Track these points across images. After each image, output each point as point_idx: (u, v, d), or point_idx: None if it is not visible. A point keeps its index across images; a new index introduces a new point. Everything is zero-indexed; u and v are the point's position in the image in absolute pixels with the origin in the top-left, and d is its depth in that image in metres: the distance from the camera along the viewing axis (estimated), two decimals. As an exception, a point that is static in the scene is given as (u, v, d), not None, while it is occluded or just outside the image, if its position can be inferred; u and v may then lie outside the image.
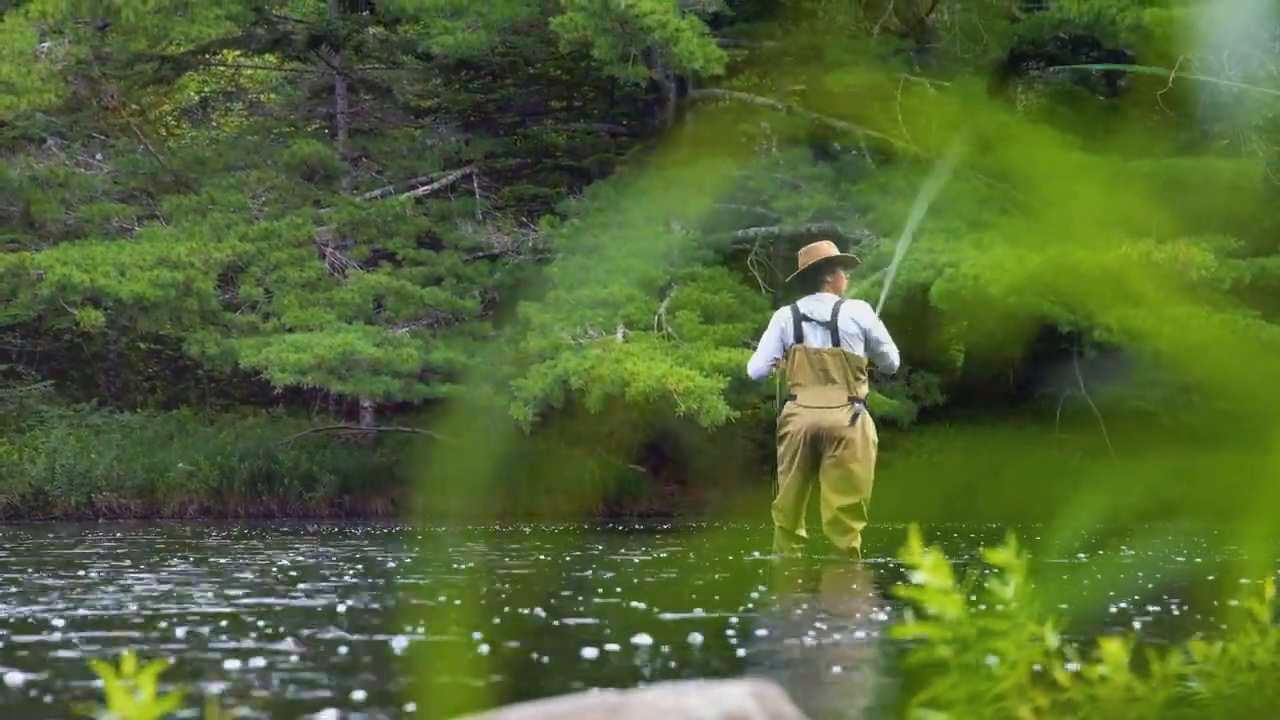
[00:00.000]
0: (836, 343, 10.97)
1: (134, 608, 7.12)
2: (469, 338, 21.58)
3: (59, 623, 6.39)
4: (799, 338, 11.02)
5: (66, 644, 5.70)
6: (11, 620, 6.57)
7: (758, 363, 11.32)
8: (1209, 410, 18.93)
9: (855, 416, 10.89)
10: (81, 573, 9.65)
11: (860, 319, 11.06)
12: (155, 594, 7.98)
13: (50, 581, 8.88)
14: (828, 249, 11.26)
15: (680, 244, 21.92)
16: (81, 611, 6.98)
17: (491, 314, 22.09)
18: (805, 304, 11.12)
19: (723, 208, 22.26)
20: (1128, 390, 20.86)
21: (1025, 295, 18.78)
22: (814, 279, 11.15)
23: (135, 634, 6.04)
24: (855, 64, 22.69)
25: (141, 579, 9.14)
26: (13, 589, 8.27)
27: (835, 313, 11.03)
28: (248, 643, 5.67)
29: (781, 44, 24.33)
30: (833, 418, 10.87)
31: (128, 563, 10.75)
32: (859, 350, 11.02)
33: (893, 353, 11.24)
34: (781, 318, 11.20)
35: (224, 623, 6.39)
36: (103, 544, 13.75)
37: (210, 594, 7.98)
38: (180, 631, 6.06)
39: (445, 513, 21.79)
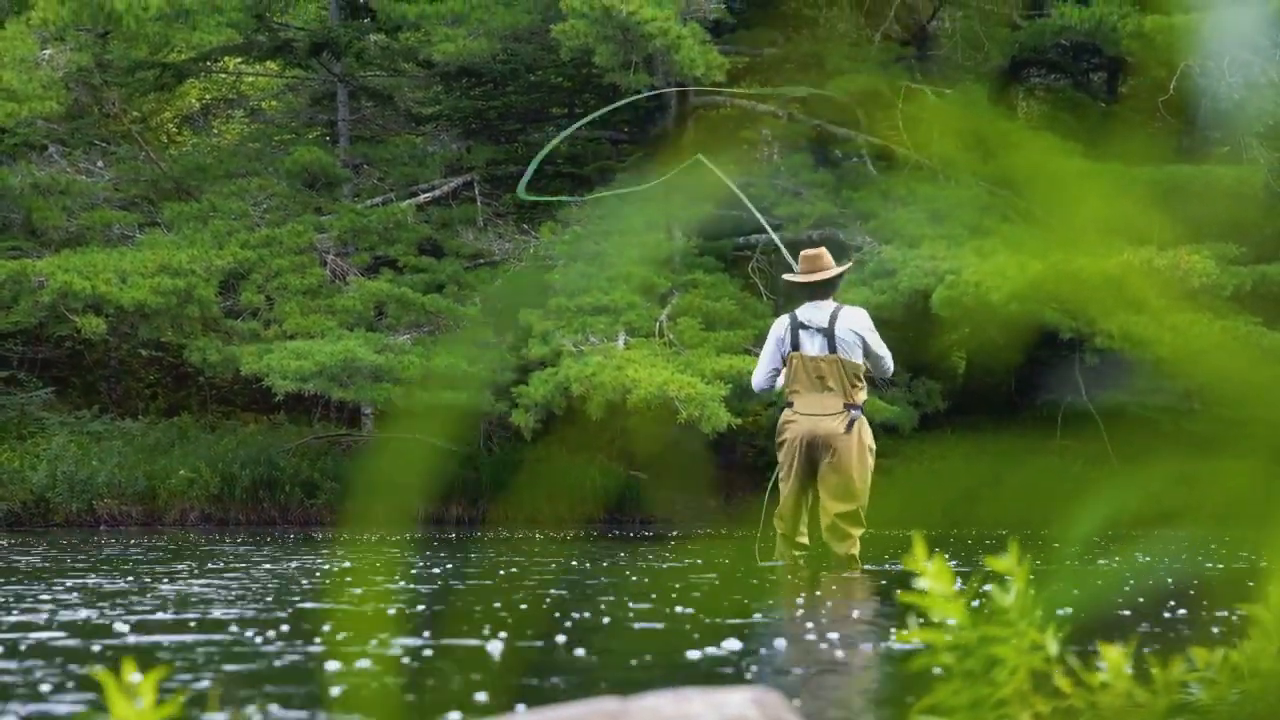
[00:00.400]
0: (833, 350, 10.96)
1: (205, 612, 7.13)
2: (470, 345, 21.57)
3: (122, 627, 6.39)
4: (795, 345, 11.02)
5: (159, 647, 5.70)
6: (89, 625, 6.57)
7: (760, 376, 11.31)
8: (1211, 417, 18.92)
9: (851, 423, 10.88)
10: (131, 578, 9.63)
11: (857, 326, 11.03)
12: (217, 598, 7.98)
13: (113, 586, 8.87)
14: (826, 260, 11.24)
15: (681, 251, 21.94)
16: (157, 616, 6.98)
17: (493, 321, 22.08)
18: (804, 311, 11.11)
19: (724, 215, 22.27)
20: (1129, 397, 20.86)
21: (1027, 302, 18.79)
22: (824, 287, 11.13)
23: (216, 635, 6.06)
24: (857, 71, 22.72)
25: (190, 582, 9.16)
26: (75, 595, 8.25)
27: (833, 320, 11.00)
28: (339, 646, 5.68)
29: (783, 51, 24.36)
30: (827, 425, 10.86)
31: (175, 567, 10.75)
32: (856, 357, 10.99)
33: (888, 358, 11.23)
34: (780, 326, 11.19)
35: (286, 626, 6.39)
36: (130, 550, 13.74)
37: (270, 599, 7.99)
38: (268, 634, 6.06)
39: (445, 519, 21.81)
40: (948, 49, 24.43)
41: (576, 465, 22.30)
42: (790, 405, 11.05)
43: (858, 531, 10.91)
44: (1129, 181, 19.83)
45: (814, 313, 11.07)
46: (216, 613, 7.12)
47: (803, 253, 11.39)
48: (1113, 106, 25.76)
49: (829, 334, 10.98)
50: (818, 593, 8.80)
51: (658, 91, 21.36)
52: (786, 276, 11.40)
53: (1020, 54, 24.80)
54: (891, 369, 11.37)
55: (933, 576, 2.81)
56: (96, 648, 5.68)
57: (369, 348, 20.30)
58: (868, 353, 11.07)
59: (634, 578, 9.81)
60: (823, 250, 11.32)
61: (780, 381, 11.22)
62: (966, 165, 21.01)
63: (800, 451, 10.93)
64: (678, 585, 9.02)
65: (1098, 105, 25.96)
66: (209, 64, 26.01)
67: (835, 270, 11.15)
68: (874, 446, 11.07)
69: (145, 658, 5.37)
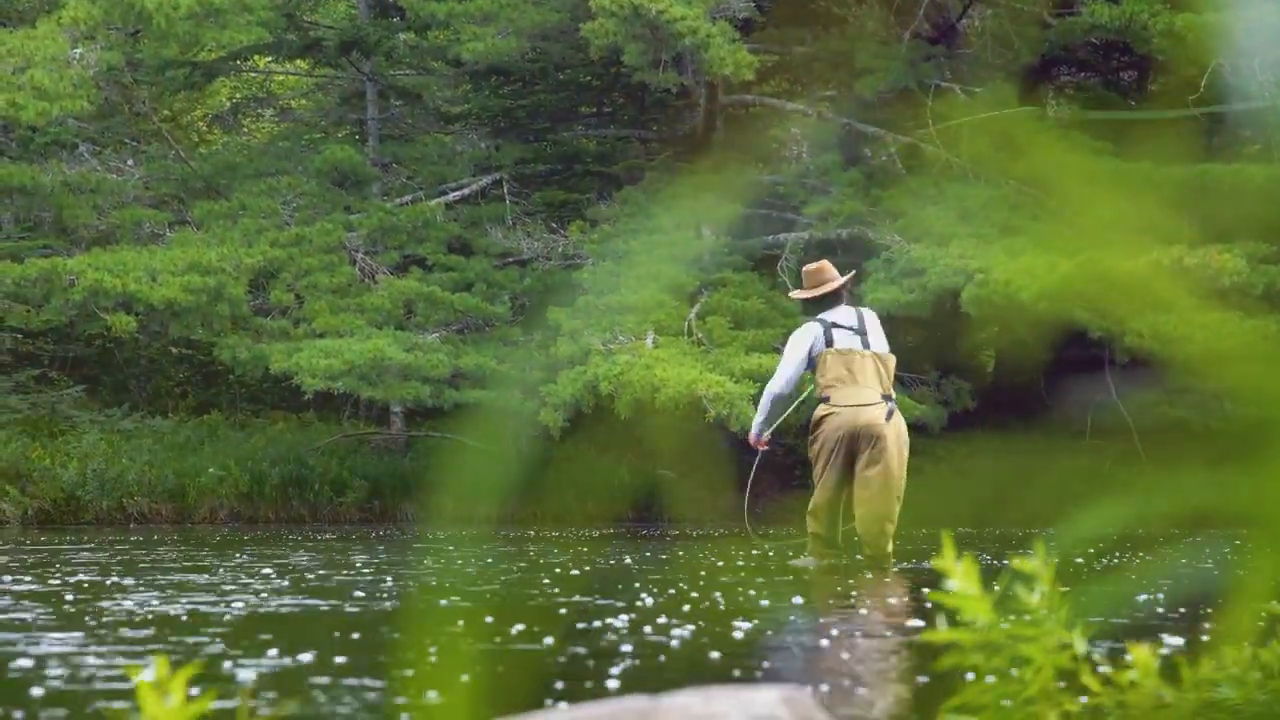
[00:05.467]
0: (866, 345, 11.00)
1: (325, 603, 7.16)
2: (499, 343, 21.60)
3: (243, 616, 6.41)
4: (829, 343, 11.03)
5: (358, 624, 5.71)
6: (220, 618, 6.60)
7: (783, 381, 11.26)
8: (1242, 417, 18.85)
9: (890, 414, 10.89)
10: (252, 574, 9.66)
11: (880, 329, 11.21)
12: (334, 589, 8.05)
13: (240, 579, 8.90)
14: (833, 271, 11.33)
15: (710, 250, 21.92)
16: (271, 605, 6.99)
17: (521, 319, 22.11)
18: (830, 315, 11.17)
19: (753, 213, 22.25)
20: (1159, 397, 20.79)
21: (1056, 301, 18.73)
22: (834, 298, 11.22)
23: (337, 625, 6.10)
24: (886, 70, 22.68)
25: (286, 576, 9.24)
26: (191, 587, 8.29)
27: (861, 318, 11.11)
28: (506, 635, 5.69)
29: (812, 50, 24.32)
30: (869, 415, 10.84)
31: (255, 561, 10.78)
32: (885, 352, 11.08)
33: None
34: (811, 332, 11.17)
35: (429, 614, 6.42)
36: (187, 546, 13.77)
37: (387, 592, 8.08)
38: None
39: (474, 518, 21.82)
40: (977, 48, 24.36)
41: (605, 464, 22.31)
42: (826, 400, 10.99)
43: (891, 527, 10.89)
44: (1159, 180, 19.77)
45: (840, 314, 11.16)
46: (370, 605, 7.14)
47: (805, 269, 11.46)
48: (1143, 105, 25.67)
49: (861, 331, 11.05)
50: (848, 591, 8.79)
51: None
52: (795, 294, 11.49)
53: (1050, 52, 24.73)
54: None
55: (961, 576, 2.81)
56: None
57: (398, 346, 20.33)
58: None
59: (662, 576, 9.81)
60: (825, 263, 11.45)
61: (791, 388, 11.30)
62: (996, 164, 20.96)
63: (841, 444, 10.88)
64: (706, 583, 9.02)
65: (1128, 104, 25.88)
66: (239, 63, 26.08)
67: (842, 279, 11.31)
68: (908, 439, 11.08)
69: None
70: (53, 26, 20.65)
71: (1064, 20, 23.31)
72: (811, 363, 11.14)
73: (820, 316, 11.19)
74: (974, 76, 23.06)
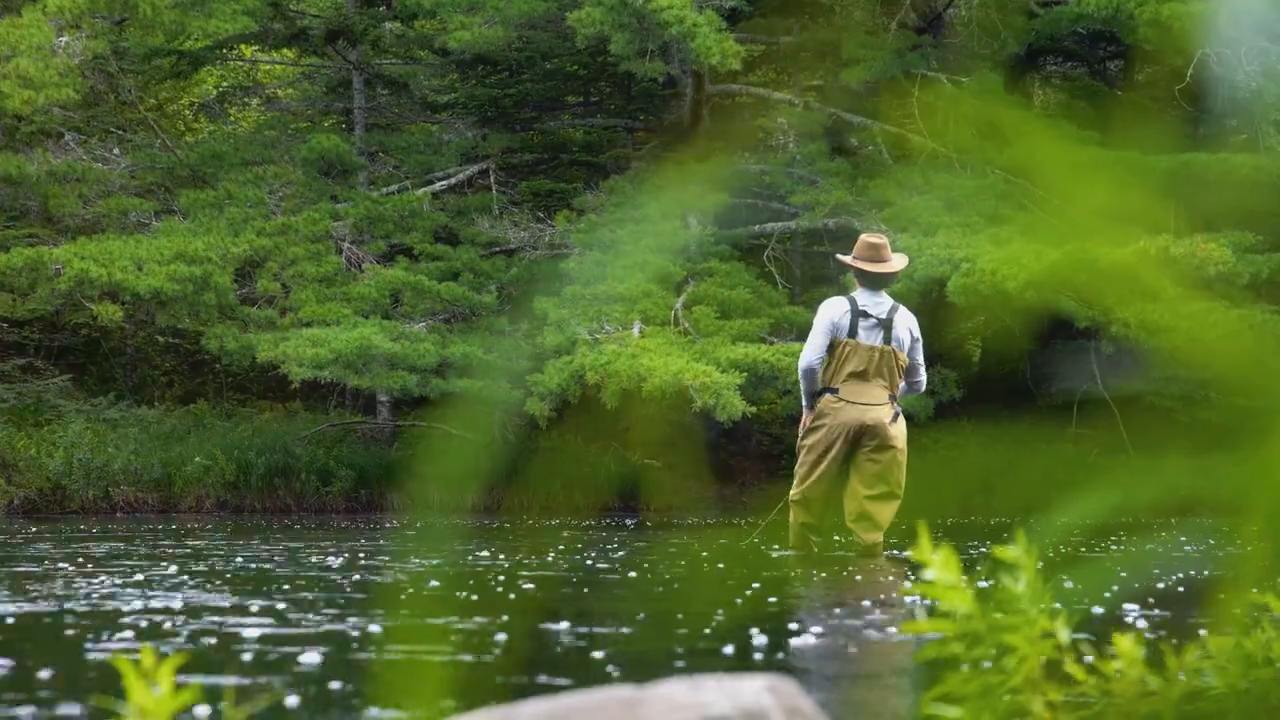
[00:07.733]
0: (888, 342, 10.88)
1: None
2: (486, 333, 21.60)
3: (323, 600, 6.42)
4: (853, 333, 10.88)
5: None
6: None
7: (813, 354, 11.00)
8: (1227, 406, 18.90)
9: (896, 416, 10.86)
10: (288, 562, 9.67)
11: (913, 328, 11.00)
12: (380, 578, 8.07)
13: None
14: (889, 253, 11.05)
15: (697, 239, 21.93)
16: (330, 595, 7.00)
17: (508, 309, 22.11)
18: (863, 298, 10.95)
19: (739, 203, 22.26)
20: (1145, 386, 20.83)
21: (1042, 290, 18.75)
22: (880, 279, 11.00)
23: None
24: (872, 60, 22.69)
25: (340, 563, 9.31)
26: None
27: (892, 313, 10.91)
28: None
29: (799, 39, 24.33)
30: (877, 414, 10.79)
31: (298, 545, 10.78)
32: (905, 354, 10.95)
33: (924, 374, 11.18)
34: (836, 309, 10.93)
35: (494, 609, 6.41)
36: (208, 537, 13.77)
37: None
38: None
39: (460, 508, 21.83)
40: (964, 37, 24.37)
41: (591, 453, 22.32)
42: (834, 391, 10.86)
43: (887, 523, 10.88)
44: (1145, 170, 19.78)
45: (874, 302, 10.95)
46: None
47: (865, 238, 11.12)
48: (1129, 94, 25.71)
49: (888, 326, 10.89)
50: (833, 580, 8.79)
51: None
52: (847, 260, 11.12)
53: (1036, 42, 24.75)
54: (925, 385, 11.36)
55: (940, 565, 2.81)
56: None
57: (385, 335, 20.32)
58: (912, 359, 11.02)
59: (648, 566, 9.81)
60: (886, 242, 11.12)
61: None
62: (982, 153, 20.98)
63: (844, 439, 10.81)
64: (692, 573, 9.02)
65: (1114, 93, 25.92)
66: (225, 52, 26.03)
67: (902, 263, 11.11)
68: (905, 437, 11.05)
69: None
70: (38, 15, 20.60)
71: (1050, 10, 23.34)
72: (831, 338, 10.91)
73: (853, 295, 11.00)
74: (960, 66, 23.07)
